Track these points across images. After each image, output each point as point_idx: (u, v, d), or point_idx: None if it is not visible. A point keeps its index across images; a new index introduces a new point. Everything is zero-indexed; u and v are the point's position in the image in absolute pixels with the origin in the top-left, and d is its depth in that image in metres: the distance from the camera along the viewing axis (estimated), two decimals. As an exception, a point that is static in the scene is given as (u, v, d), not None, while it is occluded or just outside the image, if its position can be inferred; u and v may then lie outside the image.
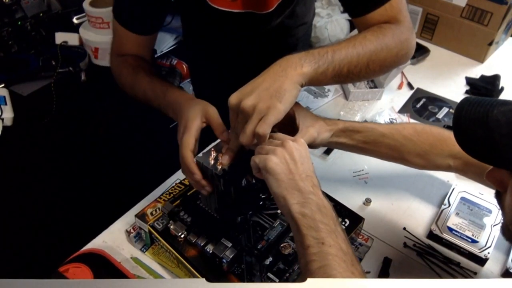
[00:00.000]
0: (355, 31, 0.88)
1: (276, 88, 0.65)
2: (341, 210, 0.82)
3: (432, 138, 0.81)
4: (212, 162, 0.70)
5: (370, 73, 0.78)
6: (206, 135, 0.90)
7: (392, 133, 0.82)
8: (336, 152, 1.02)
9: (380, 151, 0.84)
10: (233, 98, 0.66)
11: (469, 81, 1.25)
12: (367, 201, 0.91)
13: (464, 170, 0.81)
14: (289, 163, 0.61)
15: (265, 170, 0.62)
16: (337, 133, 0.81)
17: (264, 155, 0.63)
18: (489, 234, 0.82)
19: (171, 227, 0.77)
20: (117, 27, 0.93)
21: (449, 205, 0.88)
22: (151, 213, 0.81)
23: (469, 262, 0.81)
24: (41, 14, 1.47)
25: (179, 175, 0.94)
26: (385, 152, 0.84)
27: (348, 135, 0.81)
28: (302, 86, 0.68)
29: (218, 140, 0.74)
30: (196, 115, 0.74)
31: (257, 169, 0.64)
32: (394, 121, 1.10)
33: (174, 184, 0.90)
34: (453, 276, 0.78)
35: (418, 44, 1.37)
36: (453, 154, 0.80)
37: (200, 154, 0.72)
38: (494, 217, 0.85)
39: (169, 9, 0.95)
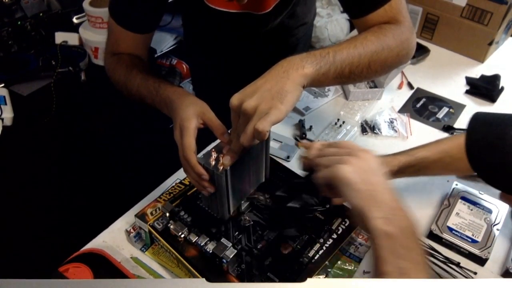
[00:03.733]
0: (355, 31, 0.88)
1: (278, 89, 0.65)
2: (341, 210, 0.82)
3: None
4: (213, 163, 0.70)
5: (371, 73, 0.78)
6: (204, 135, 0.90)
7: (441, 158, 0.79)
8: (336, 152, 1.02)
9: (431, 174, 0.85)
10: (235, 99, 0.65)
11: (469, 81, 1.25)
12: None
13: None
14: (367, 172, 0.53)
15: (338, 180, 0.54)
16: (392, 173, 0.79)
17: (336, 161, 0.56)
18: (489, 234, 0.82)
19: (171, 227, 0.77)
20: (113, 26, 0.92)
21: (449, 205, 0.88)
22: (151, 213, 0.81)
23: (469, 262, 0.81)
24: (41, 14, 1.48)
25: (179, 175, 0.94)
26: (435, 173, 0.85)
27: (402, 172, 0.81)
28: (304, 87, 0.68)
29: (218, 141, 0.74)
30: (192, 116, 0.73)
31: (326, 185, 0.57)
32: (394, 121, 1.10)
33: (174, 184, 0.90)
34: (453, 276, 0.78)
35: (418, 44, 1.37)
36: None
37: (201, 155, 0.72)
38: (494, 217, 0.85)
39: (166, 7, 0.94)
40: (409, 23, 0.84)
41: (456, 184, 0.92)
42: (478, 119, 0.54)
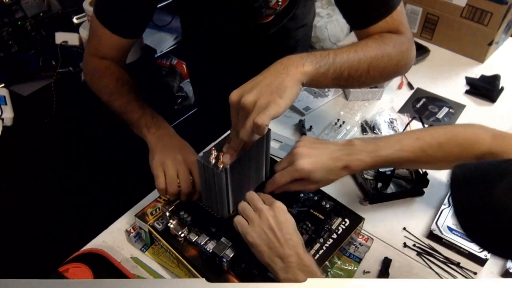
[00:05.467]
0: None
1: (277, 84, 0.65)
2: (341, 210, 0.82)
3: (457, 149, 0.75)
4: (213, 161, 0.70)
5: (370, 79, 0.78)
6: (206, 134, 0.90)
7: (417, 157, 0.75)
8: (336, 152, 1.02)
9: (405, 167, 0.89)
10: (234, 95, 0.66)
11: (469, 81, 1.25)
12: (367, 201, 0.91)
13: None
14: (268, 233, 0.66)
15: (247, 242, 0.69)
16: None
17: (244, 226, 0.69)
18: (489, 234, 0.82)
19: (171, 226, 0.77)
20: (98, 28, 0.91)
21: (449, 205, 0.88)
22: (151, 213, 0.81)
23: (469, 262, 0.81)
24: (41, 14, 1.47)
25: (179, 175, 0.94)
26: (407, 167, 0.89)
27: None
28: (303, 85, 0.69)
29: (219, 140, 0.74)
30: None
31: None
32: (394, 121, 1.10)
33: (174, 184, 0.90)
34: (453, 276, 0.78)
35: (418, 44, 1.37)
36: (479, 156, 0.75)
37: (201, 154, 0.72)
38: (494, 217, 0.85)
39: (154, 12, 0.94)
40: (410, 34, 0.84)
41: (456, 184, 0.92)
42: (461, 176, 0.52)
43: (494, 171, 0.49)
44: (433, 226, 0.84)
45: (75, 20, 1.57)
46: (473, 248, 0.80)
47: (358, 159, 0.73)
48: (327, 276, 0.76)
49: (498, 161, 0.53)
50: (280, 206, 0.70)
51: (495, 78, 1.23)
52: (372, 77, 0.78)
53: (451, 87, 1.24)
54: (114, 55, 0.94)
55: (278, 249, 0.65)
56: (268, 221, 0.67)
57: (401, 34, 0.82)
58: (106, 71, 0.93)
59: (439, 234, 0.82)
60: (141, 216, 0.81)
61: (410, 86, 1.24)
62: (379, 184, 0.90)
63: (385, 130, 1.08)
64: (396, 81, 1.25)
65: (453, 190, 0.52)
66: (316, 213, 0.81)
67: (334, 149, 0.75)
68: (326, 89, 1.21)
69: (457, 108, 1.17)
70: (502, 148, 0.72)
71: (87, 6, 1.47)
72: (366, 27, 0.82)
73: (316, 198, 0.83)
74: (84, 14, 1.53)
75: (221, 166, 0.69)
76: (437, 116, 1.15)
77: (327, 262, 0.74)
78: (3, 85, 1.29)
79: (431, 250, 0.82)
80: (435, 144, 0.74)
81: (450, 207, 0.87)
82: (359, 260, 0.80)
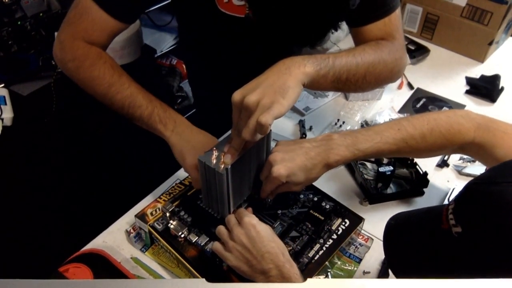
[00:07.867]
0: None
1: (280, 84, 0.65)
2: (341, 210, 0.82)
3: (440, 140, 0.75)
4: (214, 161, 0.70)
5: (366, 84, 0.80)
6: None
7: (398, 148, 0.75)
8: (336, 152, 1.02)
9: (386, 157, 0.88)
10: (237, 95, 0.66)
11: (469, 81, 1.25)
12: (367, 201, 0.91)
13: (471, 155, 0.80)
14: (243, 253, 0.66)
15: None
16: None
17: (221, 251, 0.69)
18: (489, 234, 0.82)
19: (171, 227, 0.77)
20: (91, 9, 0.83)
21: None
22: (151, 213, 0.81)
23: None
24: (41, 14, 1.47)
25: (179, 175, 0.94)
26: (388, 157, 0.89)
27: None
28: (304, 85, 0.69)
29: (220, 139, 0.74)
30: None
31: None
32: (394, 121, 1.10)
33: (174, 184, 0.90)
34: (453, 276, 0.78)
35: (418, 44, 1.37)
36: (463, 146, 0.76)
37: (203, 154, 0.72)
38: (494, 217, 0.85)
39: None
40: (403, 41, 0.86)
41: (456, 185, 0.92)
42: (391, 229, 0.60)
43: (419, 220, 0.57)
44: (433, 226, 0.84)
45: (75, 20, 1.57)
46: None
47: (336, 154, 0.73)
48: (327, 276, 0.76)
49: (424, 210, 0.59)
50: (248, 221, 0.68)
51: (495, 78, 1.23)
52: (368, 82, 0.80)
53: (451, 87, 1.24)
54: (103, 41, 0.87)
55: (257, 266, 0.65)
56: (241, 241, 0.67)
57: (395, 40, 0.84)
58: (99, 59, 0.85)
59: (439, 234, 0.82)
60: (141, 216, 0.81)
61: (410, 86, 1.24)
62: (379, 184, 0.90)
63: (385, 130, 1.08)
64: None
65: (385, 237, 0.59)
66: (316, 214, 0.81)
67: (309, 147, 0.74)
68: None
69: (457, 108, 1.17)
70: (485, 139, 0.73)
71: (87, 6, 1.47)
72: (364, 25, 0.83)
73: (316, 198, 0.83)
74: (84, 14, 1.52)
75: (222, 166, 0.69)
76: (437, 116, 1.14)
77: (327, 263, 0.74)
78: (3, 85, 1.29)
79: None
80: (417, 135, 0.74)
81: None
82: (359, 260, 0.80)
